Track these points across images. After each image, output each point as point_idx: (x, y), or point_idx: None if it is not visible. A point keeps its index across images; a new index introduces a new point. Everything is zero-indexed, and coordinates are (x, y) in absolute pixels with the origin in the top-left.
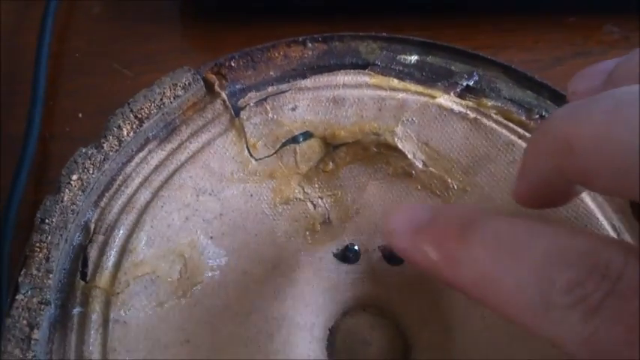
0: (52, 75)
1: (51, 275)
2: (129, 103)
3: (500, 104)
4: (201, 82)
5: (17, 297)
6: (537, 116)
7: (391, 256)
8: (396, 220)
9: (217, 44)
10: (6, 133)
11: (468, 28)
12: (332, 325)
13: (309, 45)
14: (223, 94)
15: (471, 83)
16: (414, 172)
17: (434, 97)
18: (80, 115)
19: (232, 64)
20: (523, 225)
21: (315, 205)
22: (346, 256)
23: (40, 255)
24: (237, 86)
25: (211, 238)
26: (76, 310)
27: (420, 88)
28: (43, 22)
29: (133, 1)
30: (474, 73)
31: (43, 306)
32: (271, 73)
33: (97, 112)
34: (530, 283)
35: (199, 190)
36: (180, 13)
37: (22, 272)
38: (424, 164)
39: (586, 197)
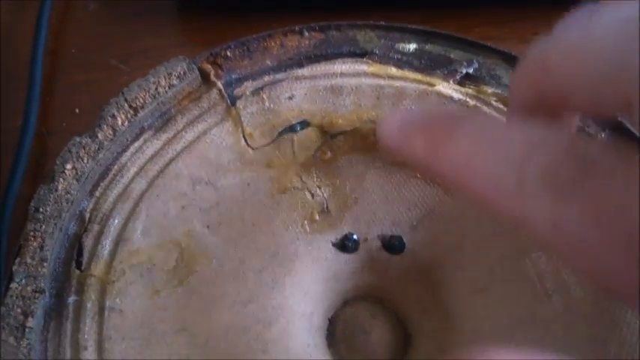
0: (49, 71)
1: (45, 264)
2: (123, 93)
3: (500, 91)
4: (197, 72)
5: (11, 285)
6: None
7: (390, 245)
8: (388, 121)
9: (215, 39)
10: (3, 128)
11: (466, 20)
12: (331, 315)
13: (306, 34)
14: (219, 84)
15: (471, 71)
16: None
17: (433, 85)
18: (77, 110)
19: (228, 54)
20: (508, 121)
21: (313, 195)
22: (345, 245)
23: (35, 244)
24: (233, 76)
25: (208, 227)
26: (72, 299)
27: (418, 76)
28: (40, 19)
29: None
30: (474, 61)
31: (37, 294)
32: (268, 62)
33: (94, 108)
34: (507, 161)
35: (195, 179)
36: (178, 7)
37: (17, 261)
38: None
39: None
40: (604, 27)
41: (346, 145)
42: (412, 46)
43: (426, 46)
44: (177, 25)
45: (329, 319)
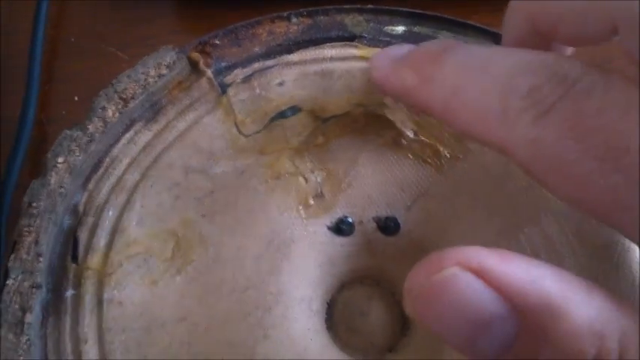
0: (48, 59)
1: (41, 259)
2: (112, 84)
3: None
4: (186, 61)
5: (8, 282)
6: None
7: (385, 227)
8: (378, 56)
9: (212, 26)
10: (3, 117)
11: (465, 7)
12: (329, 299)
13: (294, 20)
14: (209, 72)
15: None
16: (404, 141)
17: None
18: (76, 98)
19: (216, 42)
20: (496, 47)
21: (306, 179)
22: (340, 228)
23: (29, 239)
24: (222, 64)
25: (203, 216)
26: (69, 293)
27: None
28: (38, 7)
29: None
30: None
31: (34, 289)
32: (256, 49)
33: (94, 96)
34: (492, 88)
35: (189, 168)
36: None
37: (12, 257)
38: (415, 133)
39: None
40: None
41: (338, 129)
42: (401, 29)
43: (415, 28)
44: (174, 13)
45: (327, 303)
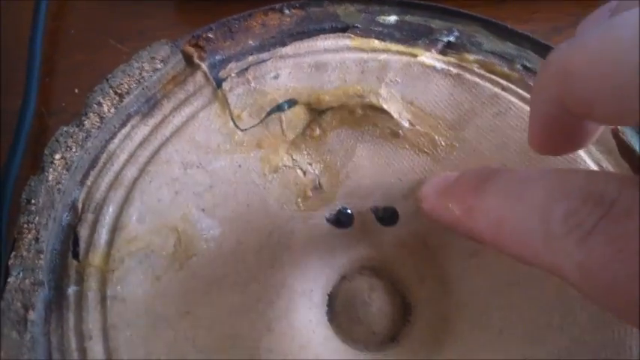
0: (48, 52)
1: (42, 256)
2: (107, 79)
3: (482, 58)
4: (180, 55)
5: (9, 279)
6: (520, 66)
7: (384, 217)
8: (426, 187)
9: (212, 19)
10: (3, 109)
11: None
12: (330, 290)
13: (287, 12)
14: (204, 66)
15: (452, 39)
16: (401, 131)
17: (415, 56)
18: (76, 90)
19: (210, 36)
20: (527, 171)
21: (304, 172)
22: (339, 220)
23: (29, 236)
24: (216, 57)
25: (203, 210)
26: (72, 290)
27: (401, 48)
28: (38, 0)
29: None
30: (454, 29)
31: (36, 287)
32: (250, 42)
33: (93, 88)
34: (532, 216)
35: (187, 163)
36: None
37: (12, 255)
38: (410, 123)
39: None
40: (626, 32)
41: (334, 121)
42: (392, 18)
43: (406, 17)
44: (174, 6)
45: (328, 295)
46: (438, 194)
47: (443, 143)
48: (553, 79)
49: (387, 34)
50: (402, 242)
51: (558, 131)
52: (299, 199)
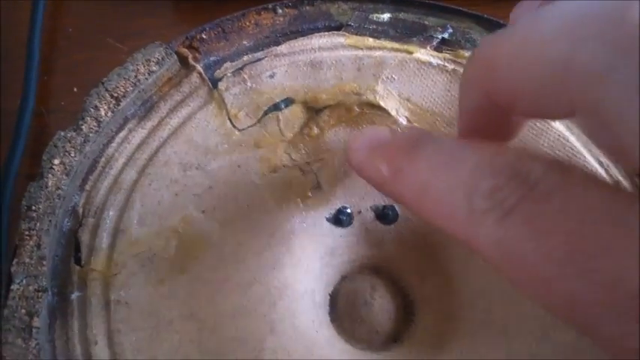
0: (47, 50)
1: (44, 262)
2: (103, 83)
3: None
4: (175, 57)
5: (12, 287)
6: None
7: (384, 215)
8: (357, 140)
9: (210, 18)
10: (2, 109)
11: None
12: (331, 290)
13: (280, 11)
14: (199, 67)
15: (446, 36)
16: (399, 128)
17: (411, 53)
18: (75, 89)
19: (204, 37)
20: (463, 142)
21: (303, 171)
22: (339, 219)
23: (31, 242)
24: (211, 58)
25: (203, 212)
26: (75, 295)
27: (396, 45)
28: None
29: None
30: (448, 26)
31: (40, 293)
32: (244, 42)
33: (92, 87)
34: (458, 188)
35: (185, 165)
36: None
37: (15, 262)
38: (408, 120)
39: (570, 136)
40: (549, 25)
41: (332, 120)
42: (386, 16)
43: (400, 15)
44: (171, 5)
45: (330, 295)
46: (369, 150)
47: (444, 129)
48: (479, 71)
49: (381, 31)
50: (402, 240)
51: (485, 123)
52: (299, 199)
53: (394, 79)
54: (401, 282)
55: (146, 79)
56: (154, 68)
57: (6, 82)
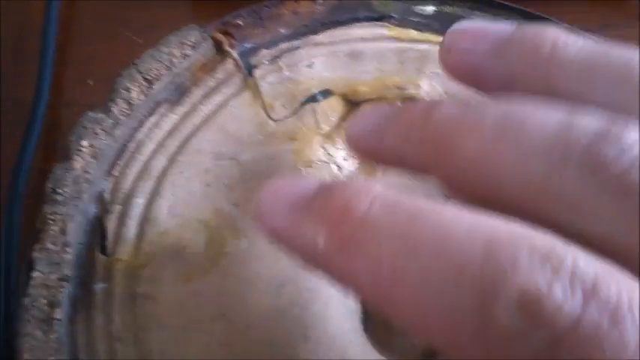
0: (61, 42)
1: (68, 249)
2: (136, 64)
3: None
4: (210, 41)
5: (33, 274)
6: None
7: None
8: (268, 195)
9: (228, 12)
10: (14, 99)
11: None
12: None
13: (319, 0)
14: (234, 53)
15: None
16: None
17: None
18: (90, 81)
19: (240, 22)
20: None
21: (339, 167)
22: None
23: (55, 228)
24: (247, 45)
25: (235, 205)
26: (99, 287)
27: (441, 39)
28: None
29: None
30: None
31: (62, 282)
32: (281, 30)
33: (108, 79)
34: (457, 284)
35: (217, 154)
36: None
37: (36, 247)
38: None
39: None
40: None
41: None
42: (430, 9)
43: (445, 8)
44: None
45: (363, 302)
46: (293, 208)
47: None
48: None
49: (425, 24)
50: None
51: None
52: None
53: (439, 73)
54: None
55: (180, 62)
56: (189, 52)
57: (20, 73)
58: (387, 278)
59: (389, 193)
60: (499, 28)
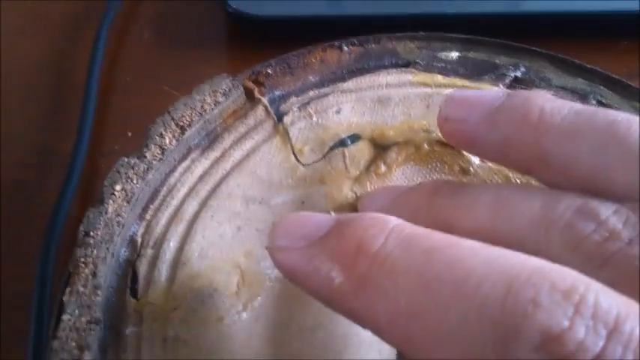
0: (102, 96)
1: (99, 292)
2: (169, 112)
3: (553, 93)
4: (241, 89)
5: (63, 317)
6: (594, 102)
7: None
8: (282, 230)
9: None
10: (54, 150)
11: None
12: None
13: (345, 49)
14: (264, 100)
15: (519, 74)
16: (471, 168)
17: None
18: (129, 133)
19: (269, 72)
20: (455, 239)
21: None
22: None
23: (86, 270)
24: (276, 93)
25: (267, 248)
26: (129, 330)
27: (467, 83)
28: (95, 46)
29: (181, 28)
30: (520, 65)
31: (92, 325)
32: (310, 77)
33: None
34: (479, 320)
35: (249, 198)
36: (227, 38)
37: (67, 290)
38: (481, 159)
39: None
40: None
41: (400, 157)
42: (455, 54)
43: (469, 54)
44: (226, 54)
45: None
46: (309, 246)
47: (518, 181)
48: None
49: (450, 69)
50: None
51: None
52: None
53: None
54: None
55: (212, 109)
56: (220, 99)
57: (62, 125)
58: (404, 316)
59: (404, 226)
60: (490, 96)
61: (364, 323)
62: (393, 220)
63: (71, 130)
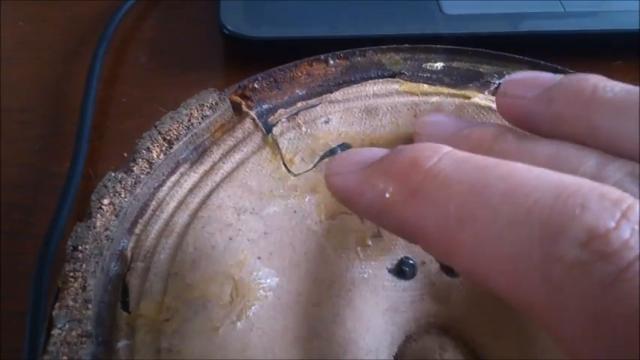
0: (98, 117)
1: (89, 305)
2: (156, 126)
3: None
4: (228, 103)
5: (53, 332)
6: None
7: (450, 267)
8: (336, 161)
9: None
10: (51, 171)
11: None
12: (396, 352)
13: (332, 62)
14: (252, 113)
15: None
16: None
17: (469, 98)
18: (125, 154)
19: (256, 86)
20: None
21: (362, 218)
22: (402, 270)
23: (76, 284)
24: (264, 106)
25: (259, 258)
26: (122, 344)
27: (452, 90)
28: (91, 68)
29: (178, 50)
30: (504, 73)
31: (84, 339)
32: (297, 91)
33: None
34: (528, 230)
35: (239, 209)
36: (223, 60)
37: (57, 305)
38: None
39: None
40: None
41: None
42: (439, 65)
43: (453, 63)
44: (223, 78)
45: (394, 356)
46: (362, 167)
47: None
48: None
49: (435, 79)
50: (472, 294)
51: None
52: (358, 248)
53: None
54: (472, 342)
55: (199, 123)
56: (207, 113)
57: (58, 146)
58: (453, 220)
59: (458, 151)
60: (548, 76)
61: (413, 233)
62: (448, 147)
63: (68, 151)
